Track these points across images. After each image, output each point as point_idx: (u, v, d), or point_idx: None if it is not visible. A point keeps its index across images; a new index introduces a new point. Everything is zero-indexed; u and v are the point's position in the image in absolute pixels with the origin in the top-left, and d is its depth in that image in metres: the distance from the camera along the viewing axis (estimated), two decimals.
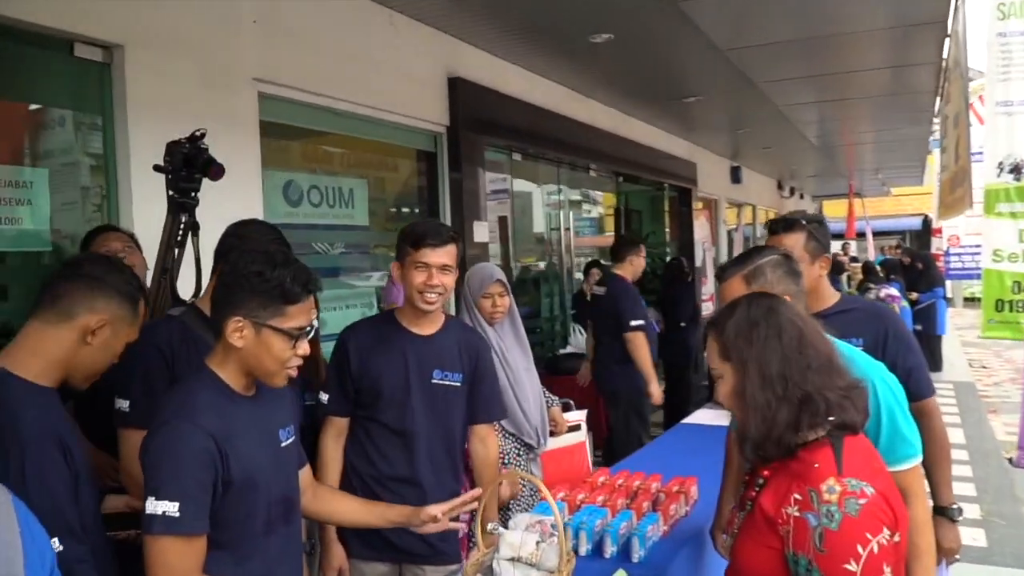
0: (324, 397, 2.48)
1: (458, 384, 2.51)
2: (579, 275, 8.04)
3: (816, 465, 1.51)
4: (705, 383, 7.29)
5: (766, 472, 1.61)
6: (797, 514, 1.49)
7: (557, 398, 3.79)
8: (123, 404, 2.06)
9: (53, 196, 3.22)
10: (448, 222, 5.58)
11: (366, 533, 2.43)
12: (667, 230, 11.11)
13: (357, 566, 2.48)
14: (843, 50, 6.14)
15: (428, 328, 2.51)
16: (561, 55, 6.11)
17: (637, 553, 2.41)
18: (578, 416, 3.96)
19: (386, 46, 4.87)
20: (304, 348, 1.79)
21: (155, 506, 1.60)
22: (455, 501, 2.11)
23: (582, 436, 3.92)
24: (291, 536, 1.91)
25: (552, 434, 3.66)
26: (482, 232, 5.77)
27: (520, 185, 7.84)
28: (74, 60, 3.23)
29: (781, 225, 2.43)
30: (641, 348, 5.06)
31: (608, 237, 9.53)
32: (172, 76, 3.49)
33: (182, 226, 2.56)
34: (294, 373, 1.81)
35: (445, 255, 2.39)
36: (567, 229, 8.37)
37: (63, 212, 3.35)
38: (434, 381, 2.47)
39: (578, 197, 9.76)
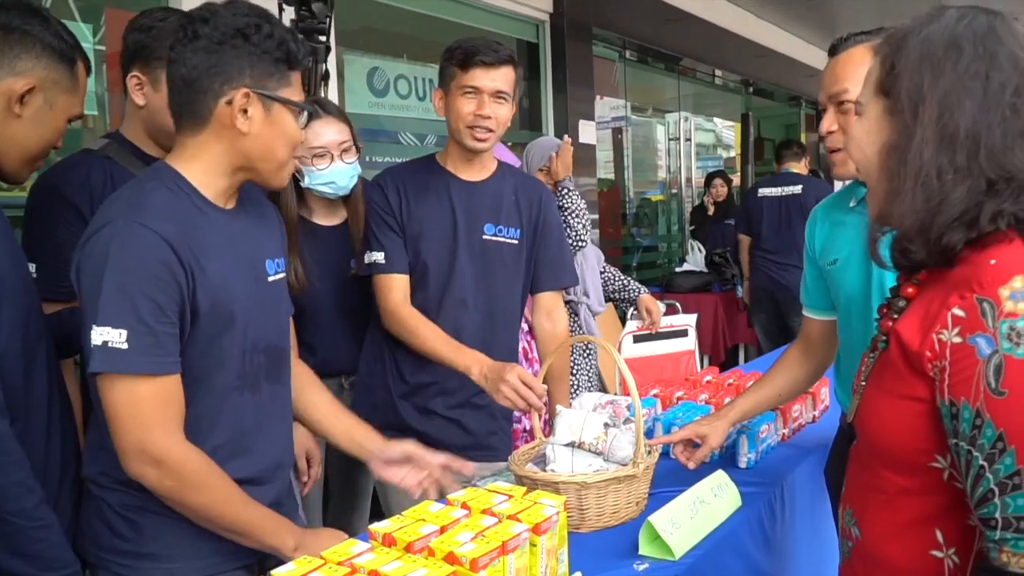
0: (377, 256, 1.96)
1: (515, 241, 2.02)
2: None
3: (992, 262, 0.93)
4: None
5: (911, 289, 1.04)
6: (957, 340, 0.91)
7: (644, 287, 3.24)
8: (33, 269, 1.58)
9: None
10: (551, 121, 5.11)
11: (394, 417, 2.01)
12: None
13: None
14: None
15: (478, 173, 2.02)
16: None
17: (745, 456, 1.89)
18: (686, 320, 3.41)
19: None
20: (303, 133, 1.40)
21: (97, 334, 1.20)
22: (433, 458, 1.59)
23: (690, 344, 3.38)
24: (278, 398, 1.47)
25: (645, 338, 3.16)
26: (589, 132, 5.23)
27: (637, 111, 7.25)
28: None
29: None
30: None
31: (735, 175, 8.74)
32: None
33: (307, 75, 2.22)
34: (296, 165, 1.43)
35: (501, 78, 1.89)
36: (688, 145, 7.71)
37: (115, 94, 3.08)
38: (485, 237, 1.99)
39: (702, 123, 9.01)
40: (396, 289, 1.97)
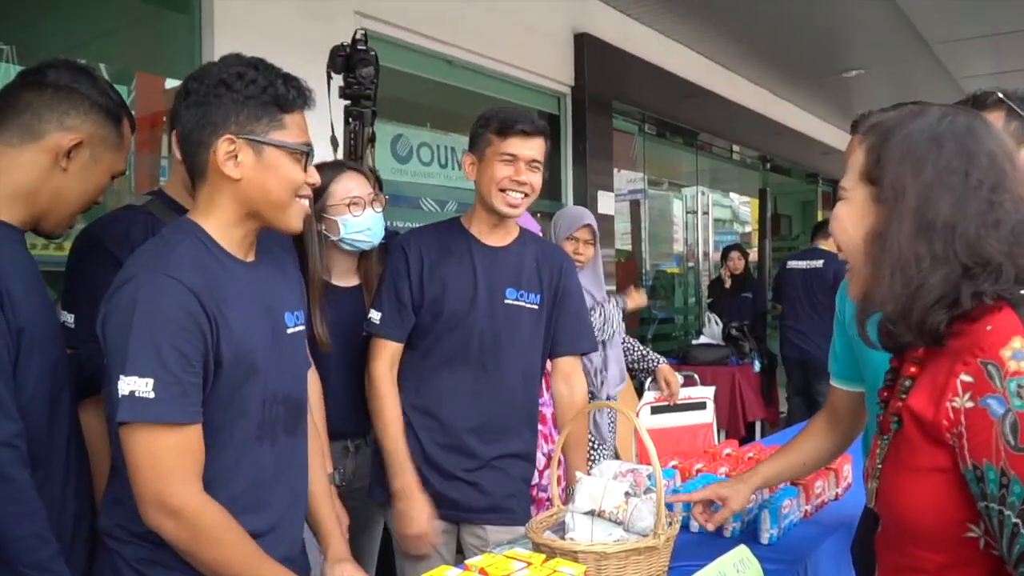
0: (375, 315, 1.99)
1: (536, 306, 2.03)
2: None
3: (989, 328, 0.96)
4: None
5: (913, 369, 1.07)
6: (970, 404, 0.93)
7: (663, 357, 3.23)
8: (68, 318, 1.61)
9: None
10: (571, 191, 5.17)
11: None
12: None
13: None
14: None
15: (501, 239, 2.05)
16: (700, 17, 5.56)
17: (768, 532, 1.84)
18: (704, 393, 3.38)
19: None
20: (314, 175, 1.39)
21: (124, 384, 1.20)
22: None
23: (708, 416, 3.34)
24: (295, 451, 1.47)
25: (663, 409, 3.12)
26: (608, 204, 5.27)
27: (654, 185, 7.34)
28: None
29: (968, 103, 1.75)
30: None
31: (752, 250, 8.79)
32: (264, 2, 3.24)
33: (354, 136, 2.37)
34: (307, 208, 1.41)
35: (536, 147, 1.95)
36: (705, 219, 7.77)
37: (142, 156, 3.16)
38: (507, 302, 2.00)
39: (719, 199, 9.10)
40: (382, 356, 1.99)
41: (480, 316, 1.98)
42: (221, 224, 1.35)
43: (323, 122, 2.35)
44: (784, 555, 1.77)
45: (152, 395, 1.20)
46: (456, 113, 4.85)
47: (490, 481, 1.96)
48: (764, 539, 1.83)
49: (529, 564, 1.37)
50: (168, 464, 1.23)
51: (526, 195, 1.96)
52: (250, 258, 1.41)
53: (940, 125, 1.03)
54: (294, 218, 1.38)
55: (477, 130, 2.00)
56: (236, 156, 1.31)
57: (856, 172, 1.08)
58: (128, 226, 1.64)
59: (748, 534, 1.85)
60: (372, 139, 2.43)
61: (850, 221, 1.09)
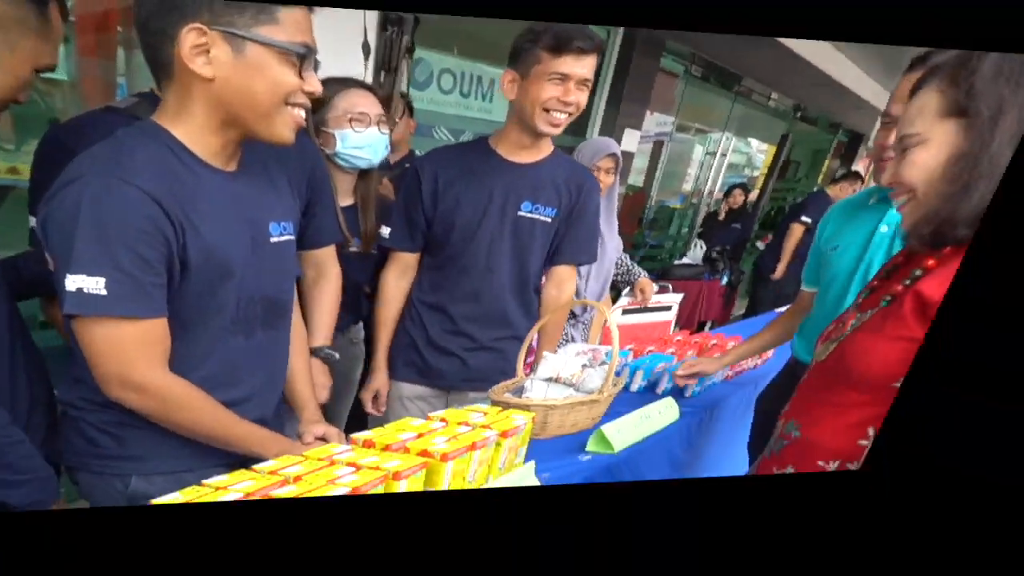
0: (384, 231, 2.06)
1: (548, 219, 2.03)
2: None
3: None
4: None
5: (931, 262, 1.23)
6: None
7: (645, 272, 3.65)
8: (33, 222, 1.45)
9: None
10: (599, 123, 4.97)
11: (410, 355, 2.13)
12: (820, 178, 10.17)
13: (397, 386, 2.15)
14: None
15: (530, 156, 1.99)
16: None
17: (692, 389, 2.31)
18: (672, 299, 3.86)
19: None
20: (314, 82, 1.20)
21: (71, 282, 1.12)
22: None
23: (669, 316, 3.84)
24: (276, 342, 1.44)
25: (637, 310, 3.54)
26: (632, 142, 5.18)
27: (682, 130, 7.23)
28: None
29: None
30: (792, 237, 5.61)
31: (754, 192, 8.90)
32: None
33: (389, 45, 2.08)
34: (302, 119, 1.22)
35: (589, 66, 1.82)
36: (722, 160, 7.95)
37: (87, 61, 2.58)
38: (520, 214, 2.00)
39: (741, 146, 9.14)
40: (392, 265, 2.10)
41: (490, 226, 1.98)
42: (193, 131, 1.19)
43: (356, 25, 2.04)
44: (699, 404, 2.26)
45: (105, 292, 1.12)
46: (487, 40, 4.48)
47: (483, 360, 2.08)
48: (688, 394, 2.31)
49: (486, 414, 1.54)
50: (130, 351, 1.18)
51: (570, 115, 1.88)
52: (231, 167, 1.27)
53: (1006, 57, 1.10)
54: (282, 128, 1.20)
55: (524, 44, 1.83)
56: (207, 51, 1.11)
57: (933, 113, 1.14)
58: (105, 132, 1.29)
59: (677, 393, 2.31)
60: (411, 50, 2.12)
61: (931, 159, 1.14)
